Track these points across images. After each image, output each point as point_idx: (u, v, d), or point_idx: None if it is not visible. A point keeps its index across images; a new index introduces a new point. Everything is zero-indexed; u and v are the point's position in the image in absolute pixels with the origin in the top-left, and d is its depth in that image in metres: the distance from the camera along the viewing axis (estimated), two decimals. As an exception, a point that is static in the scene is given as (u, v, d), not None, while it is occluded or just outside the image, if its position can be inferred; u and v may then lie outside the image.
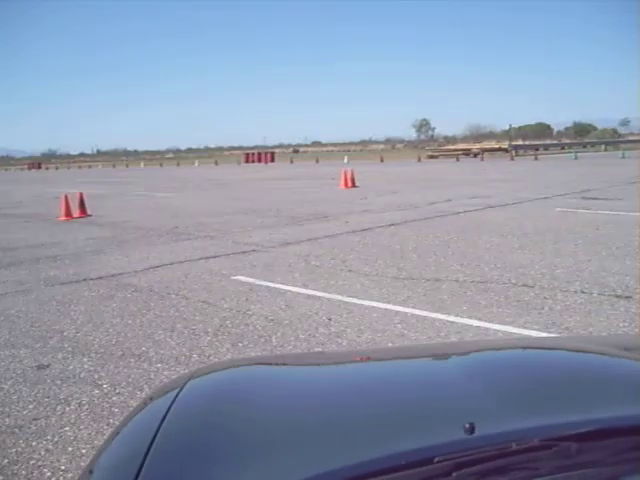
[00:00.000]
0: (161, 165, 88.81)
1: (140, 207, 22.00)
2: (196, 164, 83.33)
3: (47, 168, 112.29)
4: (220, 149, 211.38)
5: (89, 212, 19.53)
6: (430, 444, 1.20)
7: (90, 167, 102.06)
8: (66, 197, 19.03)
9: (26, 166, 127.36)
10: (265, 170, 53.97)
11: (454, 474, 1.10)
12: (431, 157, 65.37)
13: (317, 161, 68.04)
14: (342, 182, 26.85)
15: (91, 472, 1.38)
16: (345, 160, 63.20)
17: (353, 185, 26.91)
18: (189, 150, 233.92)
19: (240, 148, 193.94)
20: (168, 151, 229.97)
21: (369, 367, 1.98)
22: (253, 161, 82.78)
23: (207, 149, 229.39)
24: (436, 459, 1.11)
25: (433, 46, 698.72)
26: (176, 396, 1.58)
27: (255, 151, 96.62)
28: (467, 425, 1.21)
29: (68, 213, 18.91)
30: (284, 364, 2.13)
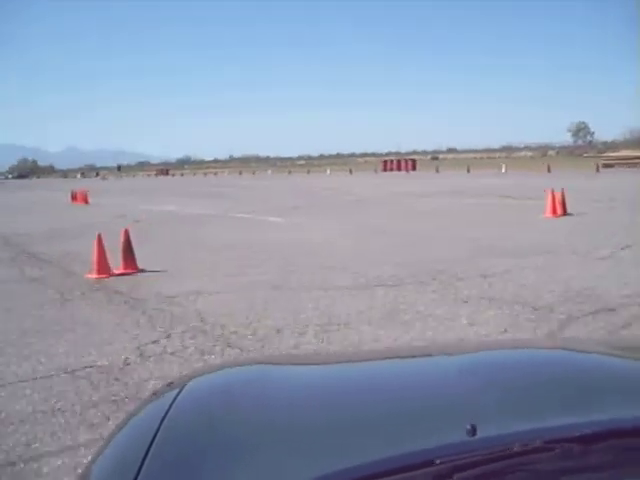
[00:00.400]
0: (289, 172, 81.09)
1: (235, 246, 13.65)
2: (328, 172, 75.27)
3: (173, 175, 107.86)
4: (352, 155, 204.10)
5: (140, 265, 11.29)
6: (431, 446, 1.17)
7: (216, 174, 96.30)
8: (99, 240, 10.82)
9: (154, 172, 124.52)
10: (410, 181, 44.76)
11: (455, 476, 1.08)
12: (606, 166, 53.97)
13: (468, 170, 57.72)
14: (549, 207, 17.41)
15: (90, 473, 1.35)
16: (503, 169, 53.27)
17: (564, 212, 17.49)
18: (320, 157, 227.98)
19: (373, 155, 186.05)
20: (300, 158, 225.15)
21: (370, 368, 1.88)
22: (392, 169, 73.81)
23: (339, 156, 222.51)
24: (437, 461, 1.09)
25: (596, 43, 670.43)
26: (175, 397, 1.54)
27: (394, 158, 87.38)
28: (469, 427, 1.18)
29: (102, 268, 10.82)
30: (284, 365, 2.06)
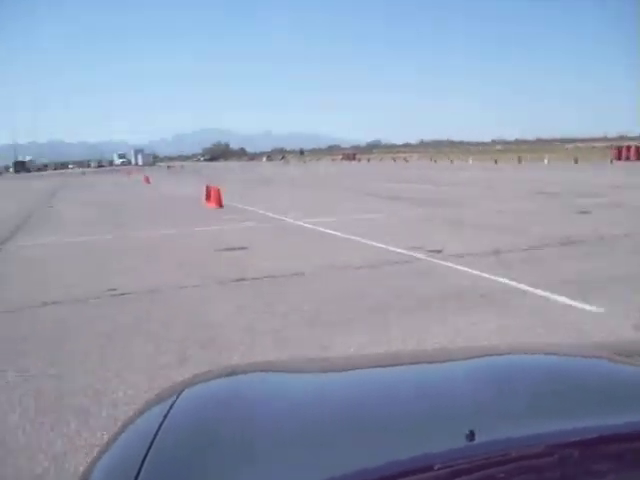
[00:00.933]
0: (496, 162, 67.11)
1: None
2: (546, 161, 60.94)
3: (359, 160, 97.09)
4: (554, 141, 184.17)
5: None
6: (430, 451, 1.17)
7: (406, 160, 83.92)
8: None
9: (340, 157, 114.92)
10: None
11: None
12: None
13: None
14: None
15: (89, 478, 1.32)
16: None
17: None
18: (517, 142, 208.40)
19: (574, 140, 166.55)
20: (494, 142, 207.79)
21: (368, 374, 1.86)
22: (628, 158, 58.07)
23: (538, 141, 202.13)
24: (436, 466, 1.09)
25: None
26: (172, 404, 1.53)
27: (632, 143, 70.11)
28: (467, 432, 1.18)
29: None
30: (282, 371, 2.02)
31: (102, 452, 1.44)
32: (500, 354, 2.07)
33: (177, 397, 1.57)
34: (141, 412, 1.62)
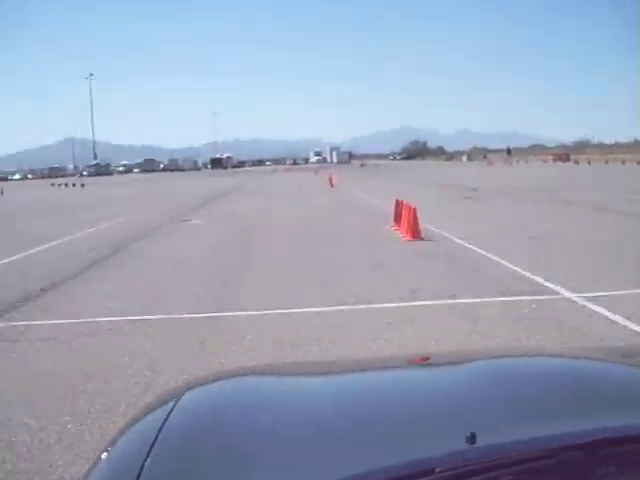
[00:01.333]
0: None
1: None
2: None
3: (576, 162, 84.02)
4: None
5: None
6: (431, 454, 1.16)
7: (622, 163, 69.35)
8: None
9: (551, 157, 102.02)
10: None
11: None
12: None
13: None
14: None
15: None
16: None
17: None
18: None
19: None
20: None
21: (370, 377, 1.86)
22: None
23: None
24: (437, 469, 1.08)
25: None
26: (173, 407, 1.52)
27: None
28: (469, 435, 1.17)
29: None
30: (282, 374, 2.01)
31: (103, 454, 1.40)
32: (501, 357, 2.04)
33: (178, 400, 1.54)
34: (142, 415, 1.58)
